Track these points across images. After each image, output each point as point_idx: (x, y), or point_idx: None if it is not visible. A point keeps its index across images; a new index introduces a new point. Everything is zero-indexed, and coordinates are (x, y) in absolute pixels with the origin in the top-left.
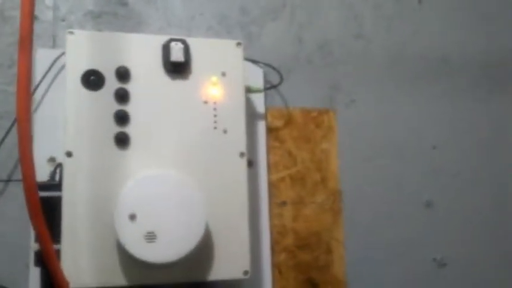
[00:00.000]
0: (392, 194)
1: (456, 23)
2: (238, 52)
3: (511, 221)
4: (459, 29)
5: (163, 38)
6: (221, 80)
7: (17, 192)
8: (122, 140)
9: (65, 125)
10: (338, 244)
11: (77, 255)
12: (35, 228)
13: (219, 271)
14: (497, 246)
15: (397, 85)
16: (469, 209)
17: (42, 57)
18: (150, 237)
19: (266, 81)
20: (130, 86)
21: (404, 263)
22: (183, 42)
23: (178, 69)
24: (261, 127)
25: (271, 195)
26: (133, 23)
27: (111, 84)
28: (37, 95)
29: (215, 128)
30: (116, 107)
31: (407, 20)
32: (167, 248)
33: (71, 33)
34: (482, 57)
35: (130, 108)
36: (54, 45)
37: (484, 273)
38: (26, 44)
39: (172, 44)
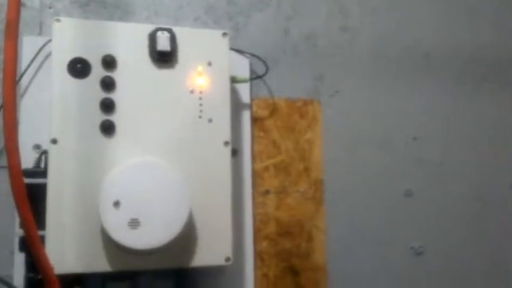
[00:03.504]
0: (372, 183)
1: (441, 17)
2: (224, 42)
3: (488, 212)
4: (443, 24)
5: (150, 27)
6: (207, 70)
7: (2, 179)
8: (108, 128)
9: (50, 112)
10: (319, 232)
11: (61, 241)
12: (19, 214)
13: (201, 258)
14: (474, 237)
15: (380, 77)
16: (447, 200)
17: (28, 44)
18: (134, 223)
19: (252, 71)
20: (116, 75)
21: (383, 250)
22: (170, 31)
23: (164, 58)
24: (246, 117)
25: (254, 184)
26: (120, 12)
27: (98, 72)
28: (23, 82)
29: (200, 117)
30: (102, 95)
31: (392, 13)
32: (150, 235)
33: (58, 20)
34: (466, 51)
35: (116, 96)
36: (40, 33)
37: (460, 262)
38: (12, 30)
39: (159, 33)
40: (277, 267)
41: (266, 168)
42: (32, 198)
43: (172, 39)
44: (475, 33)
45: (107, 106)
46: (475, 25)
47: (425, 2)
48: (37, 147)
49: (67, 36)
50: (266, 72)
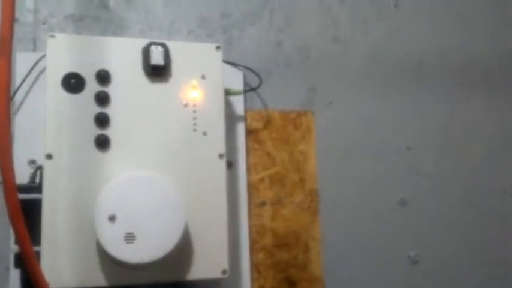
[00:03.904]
0: (367, 193)
1: (432, 27)
2: (218, 55)
3: (482, 220)
4: (435, 32)
5: (144, 42)
6: (201, 83)
7: None
8: (102, 142)
9: (45, 127)
10: (315, 243)
11: (56, 256)
12: (14, 230)
13: (198, 271)
14: (469, 244)
15: (373, 87)
16: (441, 208)
17: (22, 60)
18: (130, 238)
19: (246, 83)
20: (110, 89)
21: (379, 260)
22: (163, 45)
23: (158, 72)
24: (241, 129)
25: (250, 196)
26: (114, 27)
27: (92, 87)
28: (17, 98)
29: (195, 130)
30: (97, 109)
31: (383, 23)
32: (146, 249)
33: (52, 36)
34: (458, 60)
35: (110, 110)
36: (34, 48)
37: (456, 270)
38: (6, 47)
39: (152, 47)
40: (274, 278)
41: (261, 179)
42: (27, 214)
43: (166, 53)
44: (467, 41)
45: (102, 121)
46: (468, 34)
47: (416, 11)
48: (32, 162)
49: (61, 51)
50: (260, 85)
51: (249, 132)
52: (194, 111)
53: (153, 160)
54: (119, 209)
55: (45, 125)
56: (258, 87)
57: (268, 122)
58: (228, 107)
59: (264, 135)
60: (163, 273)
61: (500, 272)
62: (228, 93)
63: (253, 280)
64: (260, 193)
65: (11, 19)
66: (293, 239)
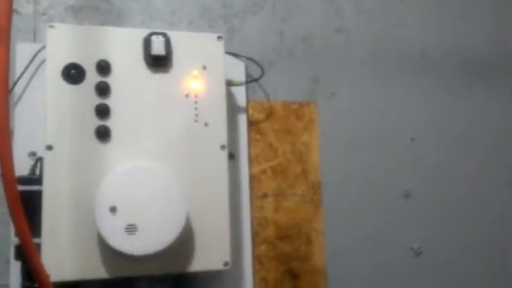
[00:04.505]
0: (371, 185)
1: (436, 18)
2: (219, 46)
3: (486, 212)
4: (438, 24)
5: (144, 32)
6: (202, 74)
7: None
8: (103, 133)
9: (45, 118)
10: (318, 235)
11: (57, 248)
12: (14, 222)
13: (199, 262)
14: (473, 236)
15: (376, 78)
16: (445, 200)
17: (22, 51)
18: (131, 229)
19: (247, 74)
20: (111, 80)
21: (382, 251)
22: (164, 35)
23: (159, 62)
24: (242, 120)
25: (252, 188)
26: (114, 17)
27: (92, 77)
28: (17, 89)
29: (196, 121)
30: (97, 100)
31: (387, 14)
32: (148, 240)
33: (52, 26)
34: (461, 52)
35: (111, 101)
36: (34, 39)
37: (460, 262)
38: (4, 35)
39: (153, 37)
40: (277, 270)
41: (263, 171)
42: (28, 206)
43: (167, 44)
44: (470, 33)
45: (102, 111)
46: (471, 26)
47: (420, 3)
48: (32, 154)
49: (61, 42)
50: (262, 75)
51: (251, 123)
52: (195, 102)
53: (154, 151)
54: (119, 200)
55: (46, 116)
56: (260, 77)
57: (270, 113)
58: (230, 97)
59: (266, 126)
60: (165, 265)
61: (504, 264)
62: (229, 83)
63: (255, 272)
64: (262, 185)
65: (9, 7)
66: (295, 231)
